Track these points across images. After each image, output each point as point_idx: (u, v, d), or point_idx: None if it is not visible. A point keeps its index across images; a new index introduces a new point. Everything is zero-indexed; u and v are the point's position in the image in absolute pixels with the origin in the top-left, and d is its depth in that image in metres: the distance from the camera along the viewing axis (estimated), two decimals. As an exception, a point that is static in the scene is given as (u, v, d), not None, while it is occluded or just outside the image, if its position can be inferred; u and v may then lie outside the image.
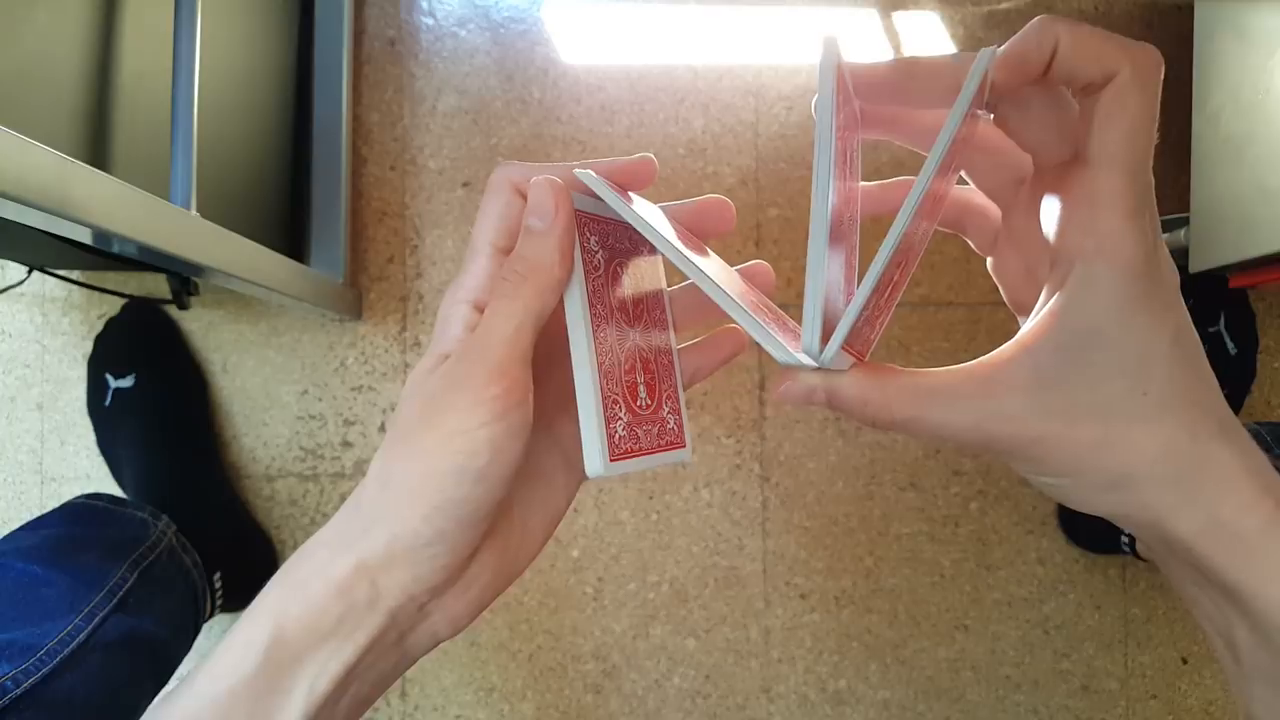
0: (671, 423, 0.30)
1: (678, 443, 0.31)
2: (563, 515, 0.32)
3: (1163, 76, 0.24)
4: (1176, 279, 0.25)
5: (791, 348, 0.26)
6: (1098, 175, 0.24)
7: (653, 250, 0.31)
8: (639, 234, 0.28)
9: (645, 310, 0.31)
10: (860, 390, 0.26)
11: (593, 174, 0.27)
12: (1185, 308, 0.25)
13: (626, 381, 0.29)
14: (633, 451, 0.29)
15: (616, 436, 0.28)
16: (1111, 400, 0.25)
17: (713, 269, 0.27)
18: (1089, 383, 0.25)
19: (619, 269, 0.29)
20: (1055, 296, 0.25)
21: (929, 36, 0.88)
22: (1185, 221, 0.78)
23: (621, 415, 0.28)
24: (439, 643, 0.30)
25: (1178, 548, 0.25)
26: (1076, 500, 0.26)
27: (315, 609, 0.27)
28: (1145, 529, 0.26)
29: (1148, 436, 0.25)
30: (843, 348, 0.25)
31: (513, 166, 0.29)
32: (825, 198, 0.24)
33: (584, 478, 0.31)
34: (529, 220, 0.27)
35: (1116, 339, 0.24)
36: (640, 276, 0.31)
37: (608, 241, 0.29)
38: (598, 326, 0.28)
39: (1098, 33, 0.24)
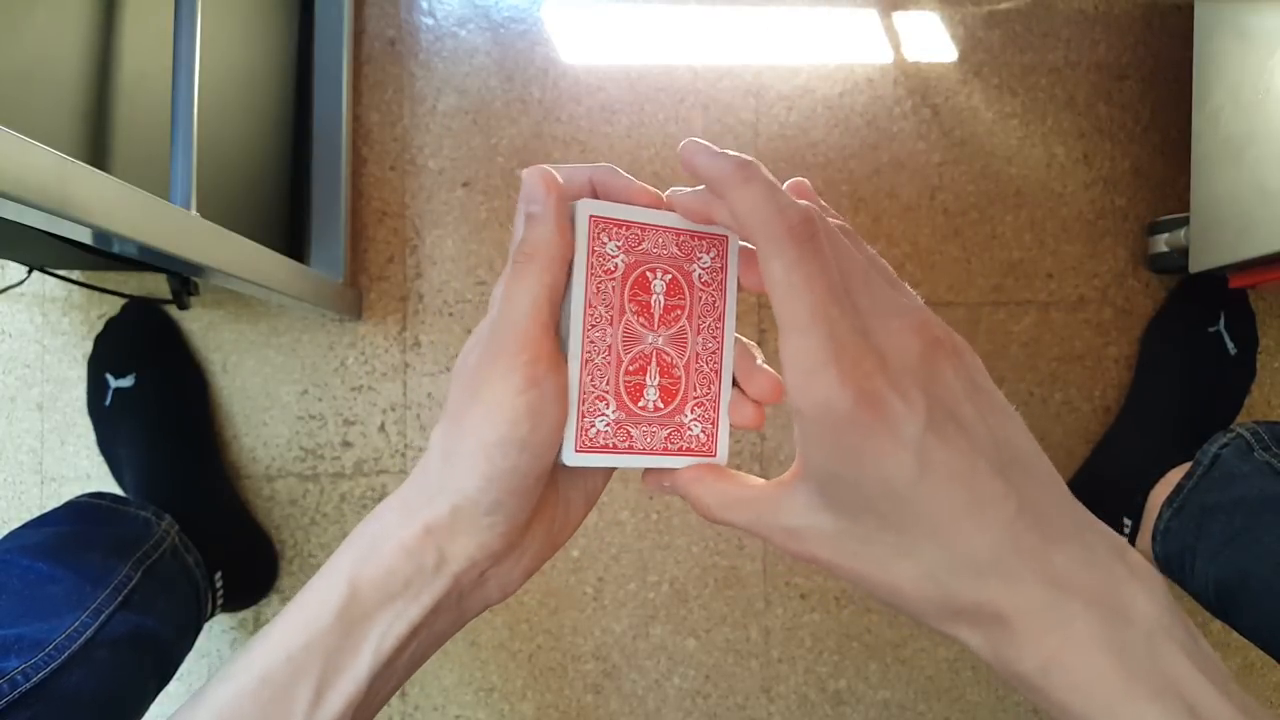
0: (697, 430, 0.32)
1: (702, 451, 0.32)
2: (597, 496, 0.34)
3: (799, 234, 0.25)
4: (920, 413, 0.25)
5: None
6: (781, 338, 0.25)
7: (719, 258, 0.32)
8: (696, 243, 0.31)
9: (691, 317, 0.31)
10: (691, 489, 0.30)
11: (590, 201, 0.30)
12: (944, 435, 0.25)
13: (628, 382, 0.30)
14: (615, 448, 0.30)
15: (593, 430, 0.30)
16: (865, 538, 0.26)
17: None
18: (844, 518, 0.26)
19: (651, 273, 0.31)
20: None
21: (929, 36, 0.88)
22: (1185, 221, 0.78)
23: (607, 411, 0.30)
24: (489, 606, 0.32)
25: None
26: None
27: (386, 570, 0.29)
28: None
29: (904, 578, 0.26)
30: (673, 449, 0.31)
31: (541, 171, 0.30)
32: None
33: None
34: (527, 208, 0.29)
35: (854, 481, 0.25)
36: (690, 283, 0.32)
37: (637, 246, 0.31)
38: (592, 324, 0.30)
39: (755, 209, 0.25)
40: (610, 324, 0.30)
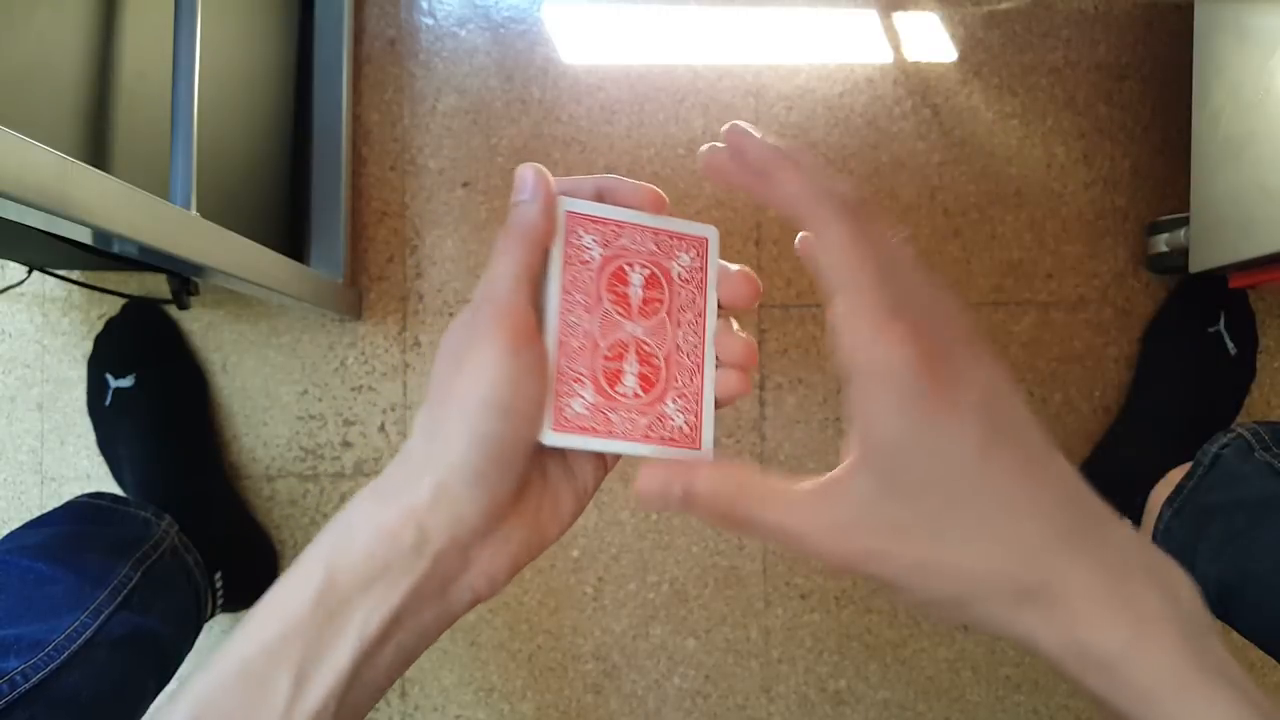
0: (680, 420, 0.32)
1: (686, 443, 0.32)
2: (588, 496, 0.33)
3: (853, 206, 0.25)
4: (981, 379, 0.24)
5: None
6: (840, 299, 0.25)
7: (699, 258, 0.33)
8: (675, 242, 0.33)
9: (670, 311, 0.33)
10: (713, 486, 0.28)
11: (580, 201, 0.32)
12: (1003, 405, 0.24)
13: (605, 368, 0.32)
14: (593, 430, 0.31)
15: (569, 410, 0.31)
16: (931, 519, 0.24)
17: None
18: (907, 501, 0.25)
19: (628, 266, 0.33)
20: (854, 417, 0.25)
21: (929, 36, 0.88)
22: (1185, 221, 0.78)
23: (584, 394, 0.31)
24: (478, 601, 0.31)
25: (1055, 667, 0.25)
26: (934, 617, 0.26)
27: (364, 555, 0.28)
28: (1020, 646, 0.25)
29: (972, 557, 0.24)
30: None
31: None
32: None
33: (609, 468, 0.34)
34: (515, 197, 0.31)
35: (915, 454, 0.24)
36: (669, 279, 0.33)
37: (614, 241, 0.33)
38: (568, 309, 0.31)
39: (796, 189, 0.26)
40: (587, 310, 0.32)
